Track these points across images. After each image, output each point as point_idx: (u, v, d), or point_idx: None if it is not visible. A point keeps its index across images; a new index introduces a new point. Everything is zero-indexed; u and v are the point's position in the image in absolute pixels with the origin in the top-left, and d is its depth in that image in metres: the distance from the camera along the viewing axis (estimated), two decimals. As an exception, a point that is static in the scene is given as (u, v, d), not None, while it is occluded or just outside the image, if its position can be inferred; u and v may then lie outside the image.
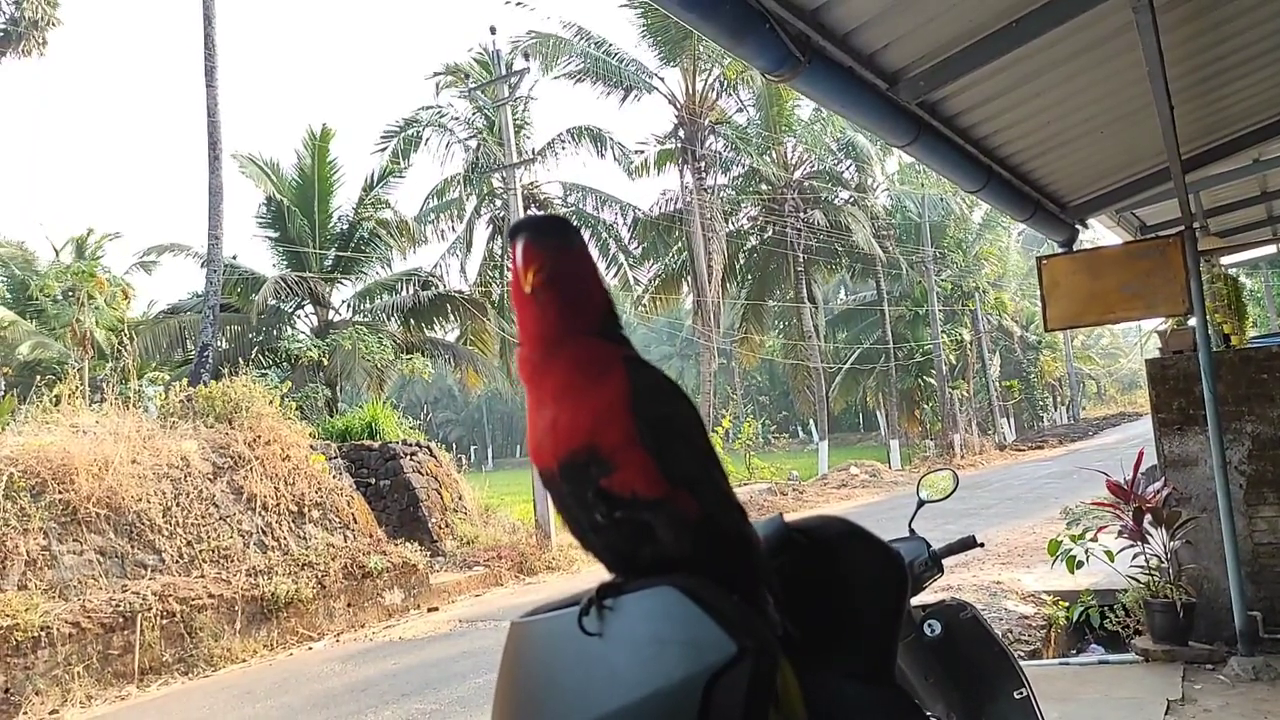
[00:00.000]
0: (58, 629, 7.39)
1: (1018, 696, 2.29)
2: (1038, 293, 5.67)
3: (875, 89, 3.62)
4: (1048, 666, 5.64)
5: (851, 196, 29.07)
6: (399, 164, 21.63)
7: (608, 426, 0.86)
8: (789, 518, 0.95)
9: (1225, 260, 8.64)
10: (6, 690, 7.02)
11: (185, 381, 11.87)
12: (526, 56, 21.93)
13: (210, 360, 14.62)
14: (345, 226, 20.81)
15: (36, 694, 7.14)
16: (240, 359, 13.90)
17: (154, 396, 11.90)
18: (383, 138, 22.00)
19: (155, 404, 11.33)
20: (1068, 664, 5.74)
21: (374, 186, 20.86)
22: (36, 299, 19.95)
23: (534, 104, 24.23)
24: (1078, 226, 6.13)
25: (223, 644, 8.48)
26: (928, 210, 30.38)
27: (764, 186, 27.22)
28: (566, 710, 0.67)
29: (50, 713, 7.09)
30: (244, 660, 8.50)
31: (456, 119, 22.67)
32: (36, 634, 7.23)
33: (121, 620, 7.85)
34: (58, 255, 21.91)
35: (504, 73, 17.55)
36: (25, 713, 7.00)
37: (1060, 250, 5.96)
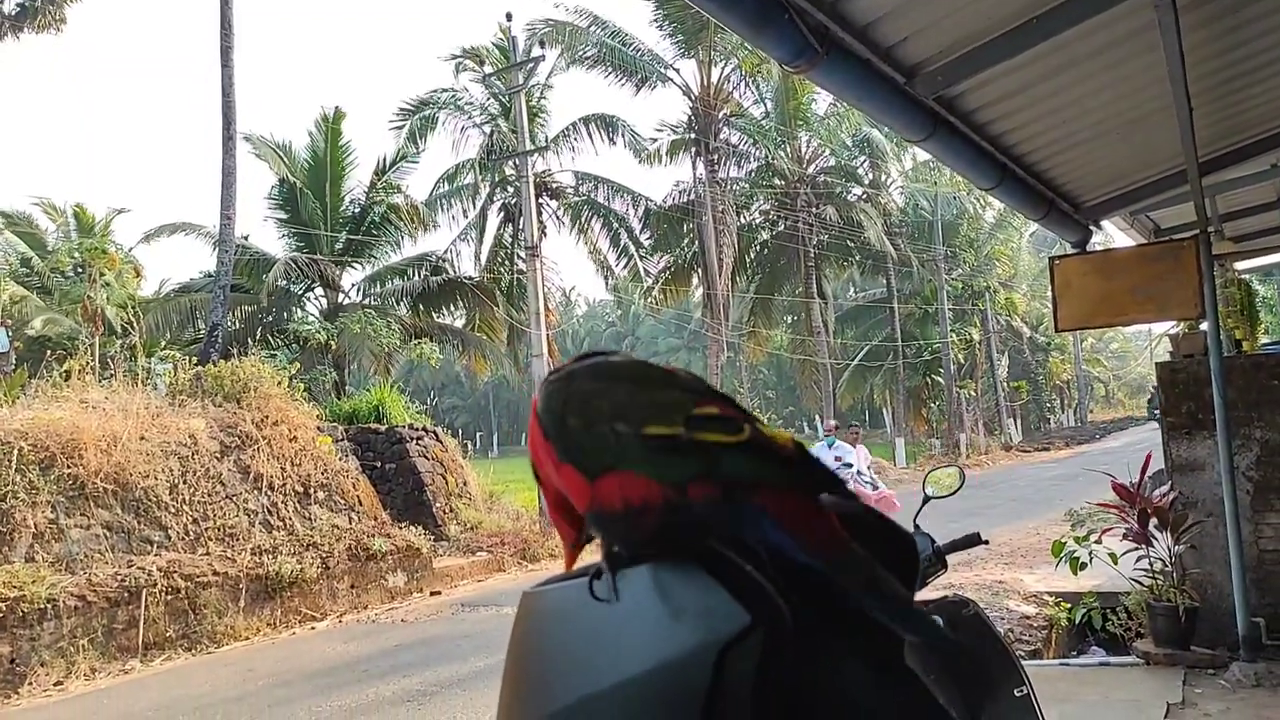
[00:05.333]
0: (64, 602, 7.46)
1: (1018, 695, 2.28)
2: (1049, 293, 5.65)
3: (892, 83, 3.60)
4: (1048, 667, 5.64)
5: (865, 192, 28.96)
6: (413, 147, 21.64)
7: (548, 472, 0.78)
8: None
9: (1239, 266, 8.58)
10: (12, 661, 7.09)
11: (194, 360, 11.92)
12: (542, 44, 21.88)
13: (220, 340, 14.67)
14: (357, 210, 20.84)
15: (41, 665, 7.21)
16: (249, 339, 13.98)
17: (163, 374, 11.95)
18: (397, 115, 21.95)
19: (164, 381, 11.38)
20: (1068, 665, 5.75)
21: (386, 170, 20.87)
22: (45, 274, 20.04)
23: (550, 92, 24.11)
24: (1091, 228, 6.10)
25: (226, 621, 8.54)
26: (940, 208, 30.24)
27: (777, 180, 27.13)
28: (577, 680, 0.68)
29: (55, 684, 7.16)
30: (247, 638, 8.55)
31: (471, 103, 22.66)
32: (43, 606, 7.29)
33: (127, 595, 7.91)
34: (65, 232, 22.00)
35: (519, 60, 17.51)
36: (30, 683, 7.07)
37: (1073, 251, 5.93)
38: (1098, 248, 6.03)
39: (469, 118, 22.54)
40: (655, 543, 0.72)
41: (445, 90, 22.66)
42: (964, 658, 2.07)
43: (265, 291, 18.56)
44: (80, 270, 17.86)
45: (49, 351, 13.53)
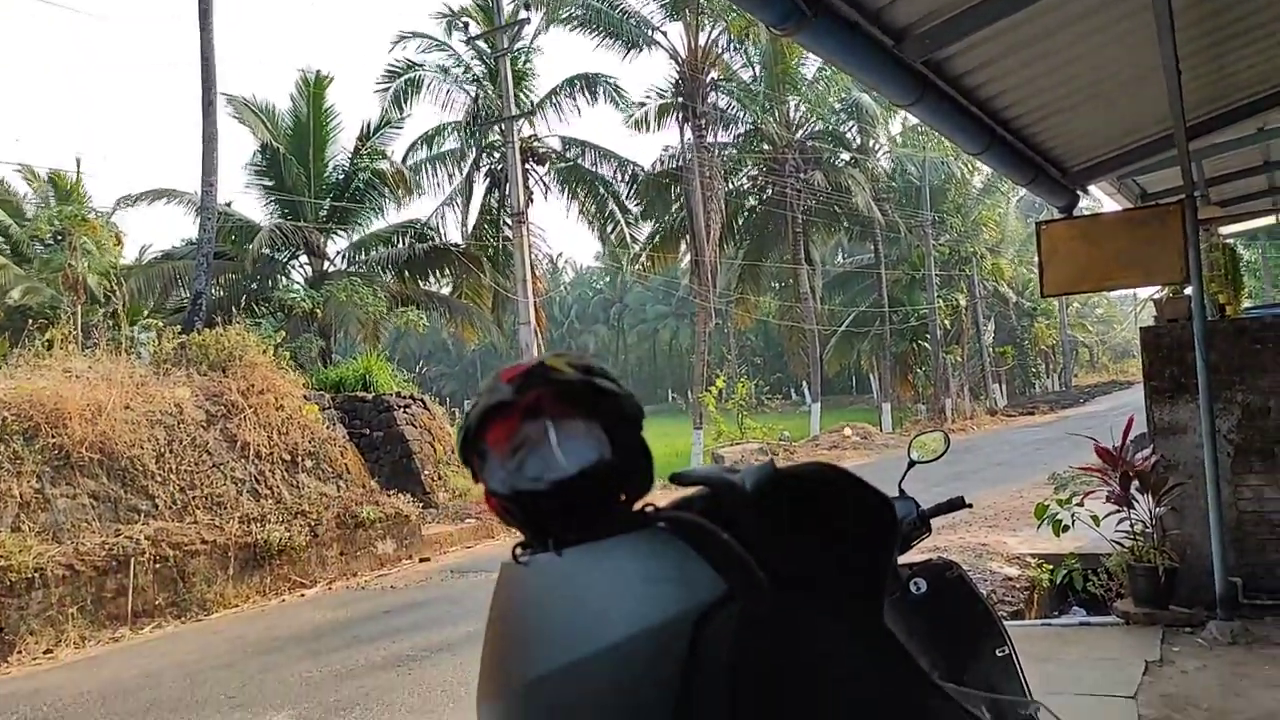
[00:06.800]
0: (51, 571, 7.45)
1: (1000, 654, 2.31)
2: (1035, 258, 5.65)
3: (881, 45, 3.57)
4: (1030, 627, 5.73)
5: (853, 158, 28.83)
6: (399, 111, 21.28)
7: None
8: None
9: (1224, 230, 8.61)
10: (1, 630, 7.09)
11: (179, 328, 11.82)
12: (528, 6, 21.53)
13: (204, 308, 14.53)
14: (341, 176, 20.59)
15: (31, 634, 7.22)
16: (234, 307, 13.83)
17: (147, 343, 11.86)
18: (385, 76, 21.49)
19: (148, 350, 11.29)
20: (1049, 625, 5.83)
21: (370, 136, 20.58)
22: (24, 242, 19.74)
23: (537, 56, 23.68)
24: (1078, 193, 6.10)
25: (215, 589, 8.57)
26: (928, 174, 30.16)
27: (765, 146, 26.95)
28: (559, 647, 0.68)
29: (45, 652, 7.18)
30: (236, 605, 8.59)
31: (459, 63, 22.24)
32: (30, 575, 7.29)
33: (115, 564, 7.92)
34: (44, 198, 21.63)
35: (503, 23, 17.24)
36: (20, 652, 7.08)
37: (1060, 216, 5.93)
38: (1084, 213, 6.03)
39: (454, 79, 22.18)
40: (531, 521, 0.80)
41: (425, 36, 22.02)
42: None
43: (249, 259, 18.37)
44: (60, 238, 17.60)
45: (30, 321, 13.39)
